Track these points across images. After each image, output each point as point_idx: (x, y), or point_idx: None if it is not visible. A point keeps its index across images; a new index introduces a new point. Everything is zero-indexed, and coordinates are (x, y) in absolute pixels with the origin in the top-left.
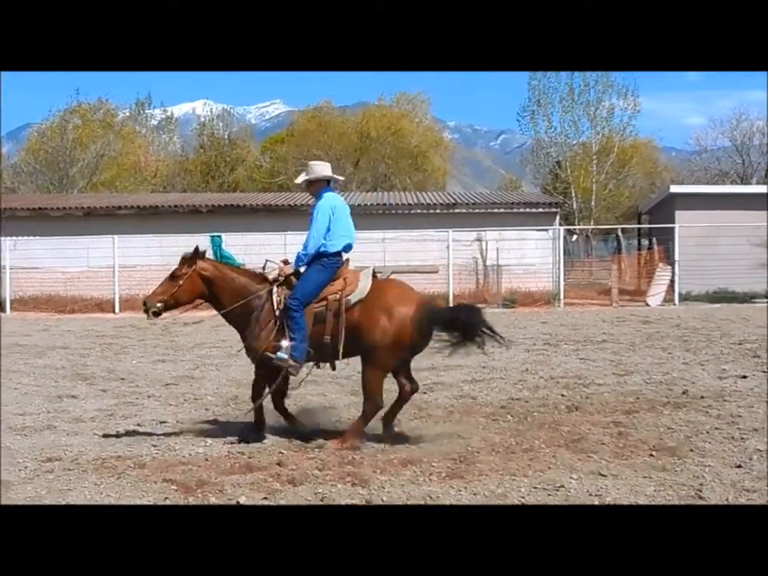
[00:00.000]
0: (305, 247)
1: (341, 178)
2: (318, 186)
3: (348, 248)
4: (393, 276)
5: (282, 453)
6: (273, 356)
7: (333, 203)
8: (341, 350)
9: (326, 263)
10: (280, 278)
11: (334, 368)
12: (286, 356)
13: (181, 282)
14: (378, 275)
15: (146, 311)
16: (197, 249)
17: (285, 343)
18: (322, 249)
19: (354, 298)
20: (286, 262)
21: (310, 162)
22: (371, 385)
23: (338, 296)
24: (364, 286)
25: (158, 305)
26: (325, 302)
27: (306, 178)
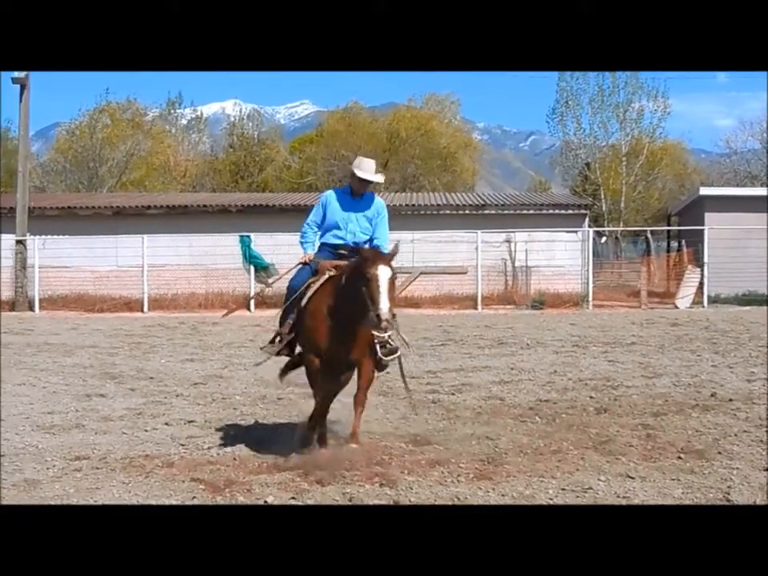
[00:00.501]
0: (384, 244)
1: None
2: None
3: None
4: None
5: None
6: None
7: None
8: None
9: None
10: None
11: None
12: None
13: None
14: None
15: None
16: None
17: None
18: None
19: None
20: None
21: (365, 159)
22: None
23: None
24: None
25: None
26: None
27: (381, 180)
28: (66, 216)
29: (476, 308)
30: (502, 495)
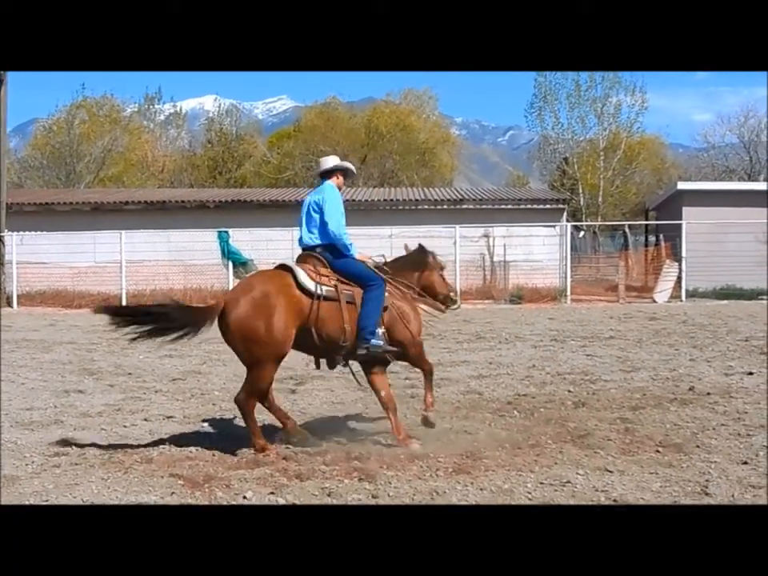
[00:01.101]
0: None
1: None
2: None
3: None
4: None
5: (288, 448)
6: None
7: None
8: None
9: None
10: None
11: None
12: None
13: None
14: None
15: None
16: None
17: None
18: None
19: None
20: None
21: (325, 158)
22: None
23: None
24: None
25: None
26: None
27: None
28: (43, 212)
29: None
30: (481, 489)
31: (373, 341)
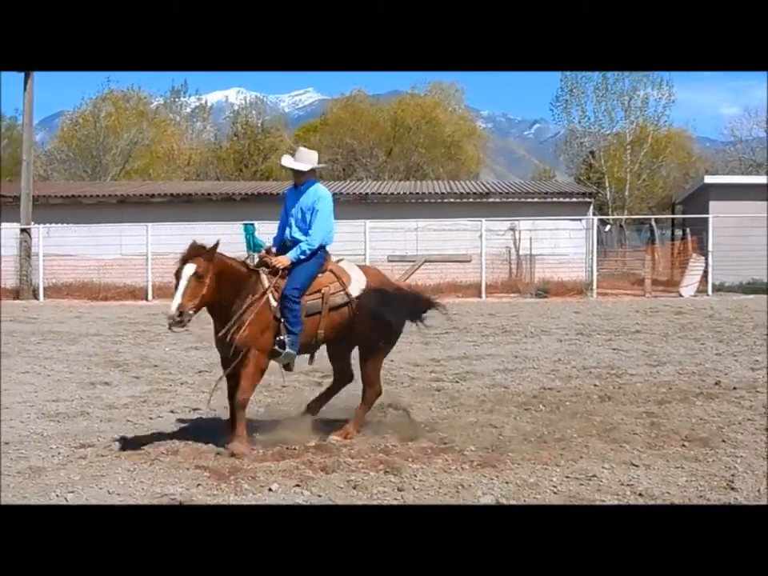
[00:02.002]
0: (311, 240)
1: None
2: (311, 176)
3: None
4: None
5: (314, 440)
6: (281, 351)
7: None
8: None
9: (320, 255)
10: (280, 269)
11: (312, 361)
12: (293, 351)
13: (207, 280)
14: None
15: (180, 322)
16: (218, 243)
17: (288, 338)
18: (326, 242)
19: (354, 291)
20: (269, 251)
21: (302, 148)
22: (376, 374)
23: (331, 289)
24: (358, 278)
25: (191, 311)
26: (320, 295)
27: (311, 167)
28: (70, 204)
29: (480, 296)
30: (506, 483)
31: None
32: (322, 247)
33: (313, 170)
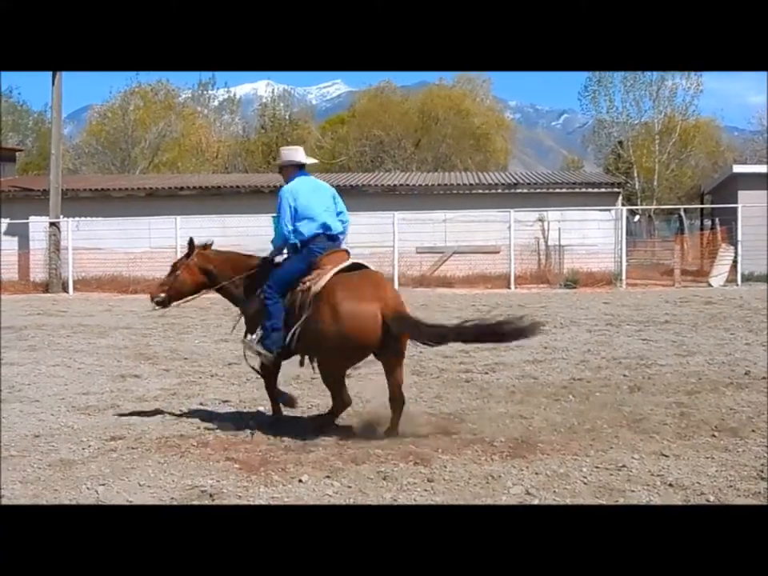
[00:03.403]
0: (273, 240)
1: (312, 161)
2: (289, 172)
3: (324, 231)
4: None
5: (344, 432)
6: (248, 342)
7: (293, 187)
8: (292, 345)
9: (302, 252)
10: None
11: (302, 364)
12: (255, 345)
13: (178, 272)
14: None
15: (152, 301)
16: (191, 241)
17: (258, 332)
18: (290, 239)
19: (315, 288)
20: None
21: (281, 148)
22: (327, 384)
23: (304, 286)
24: (324, 277)
25: (161, 295)
26: (299, 293)
27: (276, 163)
28: (99, 198)
29: (509, 287)
30: (536, 473)
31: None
32: (311, 240)
33: (289, 166)
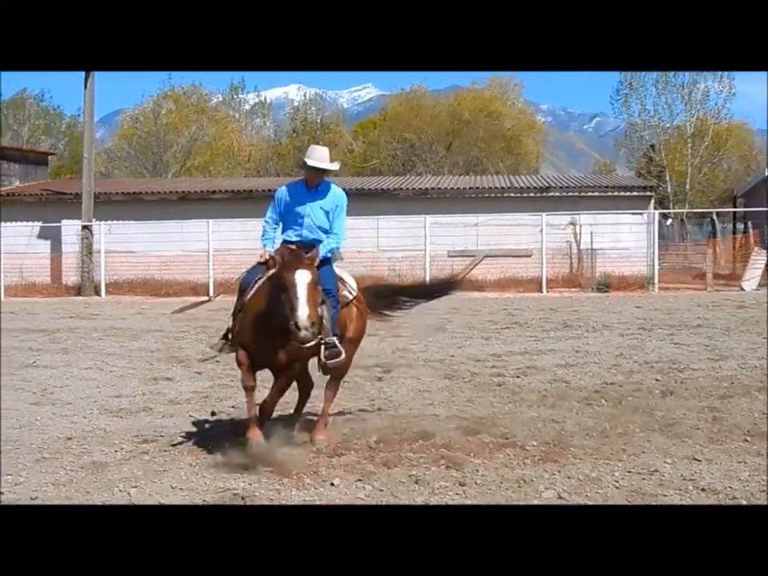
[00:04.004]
0: (339, 239)
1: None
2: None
3: None
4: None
5: (376, 435)
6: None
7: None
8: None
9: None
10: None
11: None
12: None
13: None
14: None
15: (314, 333)
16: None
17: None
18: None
19: (349, 294)
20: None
21: (317, 147)
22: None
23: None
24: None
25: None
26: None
27: (336, 168)
28: (131, 201)
29: (541, 291)
30: (568, 477)
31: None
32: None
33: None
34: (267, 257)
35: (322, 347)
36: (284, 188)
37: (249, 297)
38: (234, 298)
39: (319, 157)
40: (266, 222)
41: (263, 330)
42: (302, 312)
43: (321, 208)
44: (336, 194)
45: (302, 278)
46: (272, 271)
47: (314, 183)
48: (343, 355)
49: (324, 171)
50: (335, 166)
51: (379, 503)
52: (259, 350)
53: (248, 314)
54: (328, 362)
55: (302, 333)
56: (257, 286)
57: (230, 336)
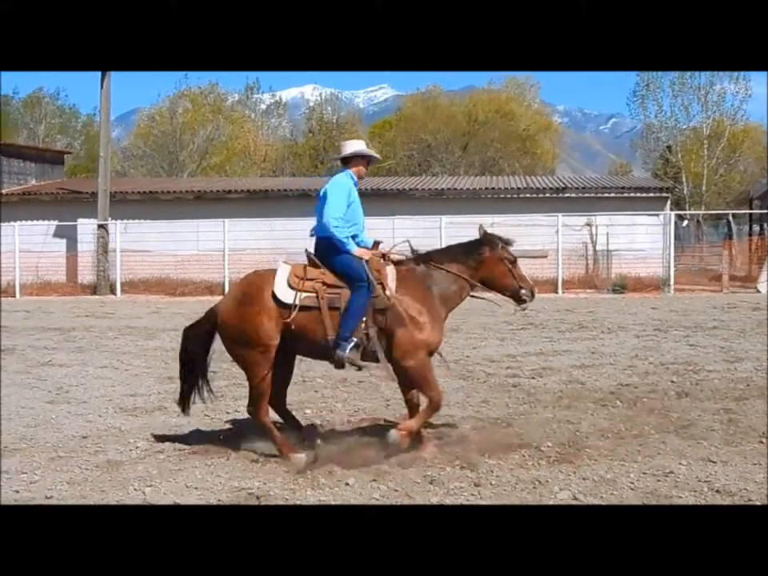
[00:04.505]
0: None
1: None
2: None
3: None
4: None
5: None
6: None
7: None
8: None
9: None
10: None
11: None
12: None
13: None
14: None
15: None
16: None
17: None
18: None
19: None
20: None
21: (355, 140)
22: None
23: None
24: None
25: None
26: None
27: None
28: (147, 200)
29: (556, 292)
30: (583, 479)
31: (338, 351)
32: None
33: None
34: (367, 257)
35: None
36: (348, 179)
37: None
38: None
39: (365, 147)
40: (338, 220)
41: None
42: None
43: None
44: (332, 178)
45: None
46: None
47: (363, 175)
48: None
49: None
50: (376, 154)
51: (394, 503)
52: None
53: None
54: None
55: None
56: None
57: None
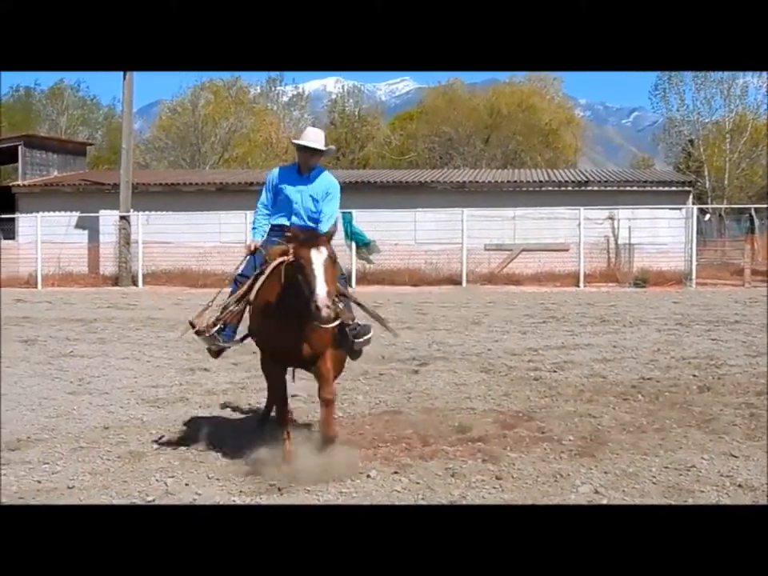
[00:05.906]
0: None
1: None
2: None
3: None
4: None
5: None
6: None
7: None
8: None
9: None
10: None
11: None
12: None
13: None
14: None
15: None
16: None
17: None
18: None
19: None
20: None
21: (312, 128)
22: None
23: None
24: None
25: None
26: None
27: (331, 150)
28: (169, 192)
29: (578, 285)
30: (605, 472)
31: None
32: None
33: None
34: (253, 248)
35: (347, 329)
36: (276, 171)
37: (256, 294)
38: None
39: (314, 138)
40: (258, 207)
41: (281, 321)
42: (320, 290)
43: (310, 195)
44: (328, 181)
45: (318, 256)
46: (278, 260)
47: (307, 166)
48: (371, 332)
49: (318, 153)
50: (330, 149)
51: (415, 496)
52: (290, 348)
53: (263, 314)
54: (356, 340)
55: (324, 313)
56: (262, 280)
57: (214, 327)
